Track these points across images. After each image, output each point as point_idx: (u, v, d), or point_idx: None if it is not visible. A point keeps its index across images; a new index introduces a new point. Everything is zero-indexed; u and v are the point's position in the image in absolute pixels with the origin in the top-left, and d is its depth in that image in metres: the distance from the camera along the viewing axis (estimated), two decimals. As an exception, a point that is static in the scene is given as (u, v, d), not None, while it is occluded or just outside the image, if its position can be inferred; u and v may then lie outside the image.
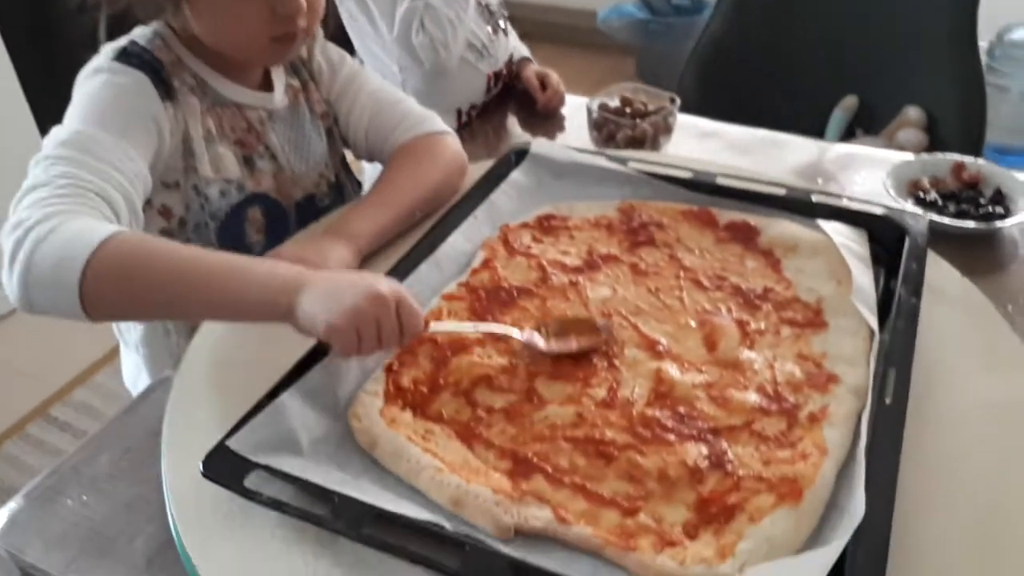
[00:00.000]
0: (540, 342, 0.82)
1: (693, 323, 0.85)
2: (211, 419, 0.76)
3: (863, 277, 0.86)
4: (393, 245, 1.00)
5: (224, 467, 0.69)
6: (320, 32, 1.10)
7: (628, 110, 1.36)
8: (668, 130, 1.37)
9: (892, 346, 0.77)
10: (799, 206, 0.98)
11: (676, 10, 3.33)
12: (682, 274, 0.92)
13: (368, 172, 1.41)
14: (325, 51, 1.13)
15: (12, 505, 0.82)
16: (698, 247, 0.96)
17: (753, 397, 0.76)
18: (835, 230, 0.93)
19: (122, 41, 0.96)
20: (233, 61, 1.00)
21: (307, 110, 1.10)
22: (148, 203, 0.98)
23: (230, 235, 1.04)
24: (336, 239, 0.95)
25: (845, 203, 0.98)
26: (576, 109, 1.57)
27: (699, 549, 0.64)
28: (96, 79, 0.91)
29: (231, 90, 1.02)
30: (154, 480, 0.81)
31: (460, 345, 0.82)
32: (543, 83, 1.56)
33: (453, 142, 1.09)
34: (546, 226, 0.99)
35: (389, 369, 0.79)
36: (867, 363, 0.78)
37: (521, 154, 1.09)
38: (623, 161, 1.06)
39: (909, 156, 1.29)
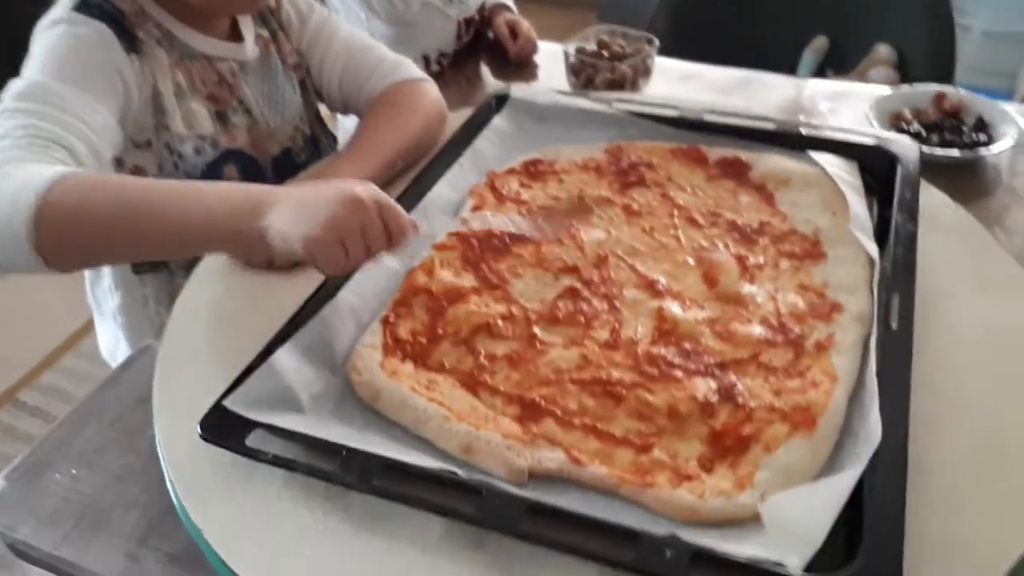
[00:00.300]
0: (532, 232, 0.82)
1: (691, 261, 0.84)
2: (202, 382, 0.73)
3: (859, 206, 0.85)
4: (377, 196, 0.96)
5: (223, 428, 0.66)
6: None
7: (606, 53, 1.33)
8: (647, 72, 1.35)
9: (893, 272, 0.77)
10: (789, 139, 0.97)
11: (638, -41, 3.29)
12: (676, 213, 0.90)
13: (346, 127, 1.37)
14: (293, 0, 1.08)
15: (-4, 484, 0.79)
16: (690, 185, 0.94)
17: (758, 330, 0.75)
18: (827, 162, 0.92)
19: None
20: (198, 10, 0.95)
21: (279, 61, 1.05)
22: (120, 163, 0.94)
23: None
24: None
25: (836, 135, 0.97)
26: (549, 56, 1.54)
27: (716, 482, 0.63)
28: (55, 30, 0.86)
29: (199, 41, 0.98)
30: (145, 449, 0.79)
31: (456, 295, 0.80)
32: (513, 31, 1.53)
33: (431, 89, 1.06)
34: (533, 171, 0.97)
35: (386, 321, 0.77)
36: (869, 291, 0.77)
37: (502, 99, 1.06)
38: (607, 102, 1.04)
39: (887, 89, 1.29)
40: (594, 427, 0.68)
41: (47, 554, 0.74)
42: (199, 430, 0.66)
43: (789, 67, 2.10)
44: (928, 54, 2.10)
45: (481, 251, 0.86)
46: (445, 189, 0.92)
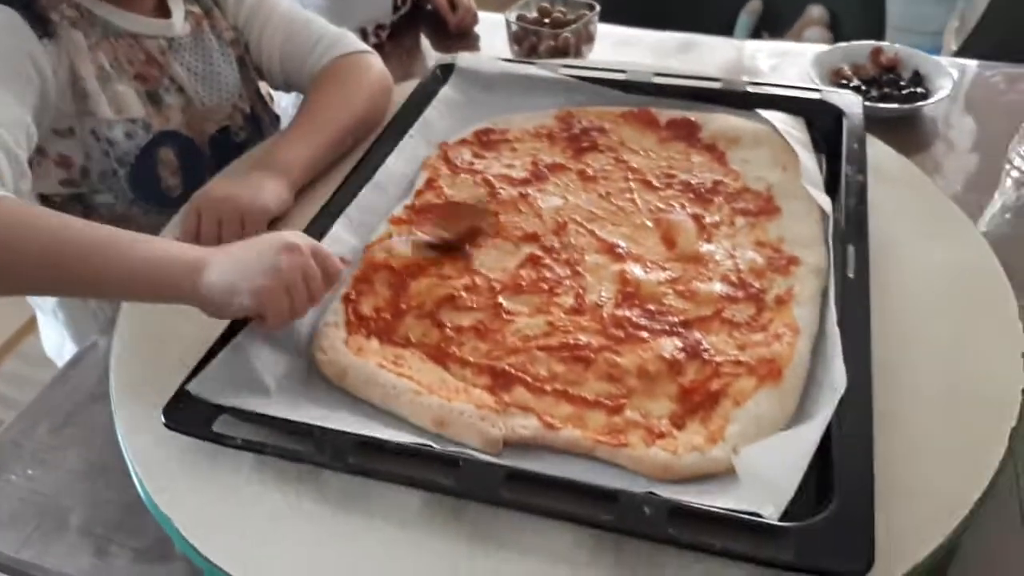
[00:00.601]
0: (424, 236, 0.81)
1: (649, 223, 0.84)
2: (161, 369, 0.71)
3: (809, 161, 0.87)
4: (326, 175, 0.95)
5: (188, 415, 0.65)
6: None
7: (547, 20, 1.32)
8: (590, 38, 1.34)
9: (847, 223, 0.78)
10: (736, 98, 0.98)
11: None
12: (630, 176, 0.90)
13: (283, 105, 1.33)
14: None
15: (-51, 488, 0.76)
16: (642, 148, 0.94)
17: (719, 287, 0.76)
18: (774, 119, 0.93)
19: None
20: None
21: (213, 38, 1.01)
22: (43, 153, 0.89)
23: (143, 181, 0.96)
24: (267, 172, 0.89)
25: (781, 91, 0.98)
26: (490, 26, 1.52)
27: (689, 438, 0.64)
28: None
29: (122, 18, 0.93)
30: (103, 444, 0.76)
31: (416, 269, 0.79)
32: (452, 2, 1.50)
33: (376, 61, 1.04)
34: (485, 141, 0.96)
35: (347, 299, 0.76)
36: (823, 243, 0.79)
37: (447, 69, 1.05)
38: (554, 68, 1.03)
39: (826, 47, 1.31)
40: (565, 392, 0.68)
41: (9, 558, 0.71)
42: (163, 418, 0.64)
43: (724, 30, 2.12)
44: (859, 14, 2.15)
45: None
46: (397, 162, 0.91)
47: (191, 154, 1.00)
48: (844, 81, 1.21)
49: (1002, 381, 0.68)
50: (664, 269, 0.79)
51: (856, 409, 0.61)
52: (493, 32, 1.48)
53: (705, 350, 0.70)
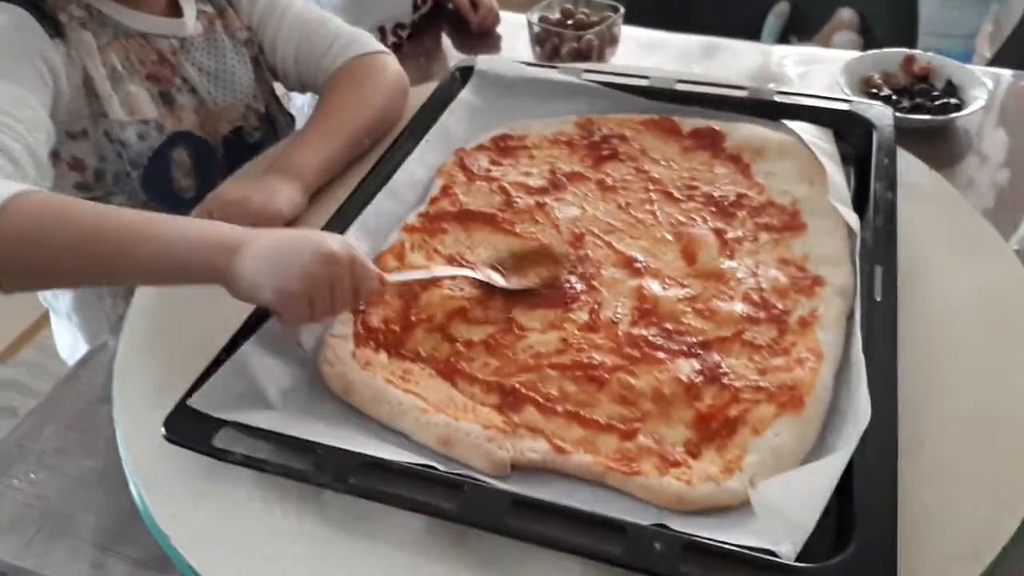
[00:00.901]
0: (499, 279, 0.76)
1: (669, 236, 0.82)
2: (164, 380, 0.70)
3: (836, 175, 0.84)
4: (340, 179, 0.93)
5: (189, 428, 0.63)
6: None
7: (570, 22, 1.30)
8: (614, 41, 1.31)
9: (875, 243, 0.75)
10: (762, 107, 0.95)
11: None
12: (651, 186, 0.88)
13: (298, 104, 1.32)
14: None
15: (-50, 492, 0.75)
16: (664, 157, 0.91)
17: (740, 307, 0.73)
18: (801, 129, 0.90)
19: None
20: None
21: (227, 37, 1.00)
22: (56, 156, 0.88)
23: (156, 183, 0.95)
24: (280, 176, 0.88)
25: (809, 101, 0.95)
26: (512, 27, 1.50)
27: (704, 467, 0.61)
28: None
29: (132, 18, 0.92)
30: (107, 450, 0.75)
31: (429, 280, 0.77)
32: (473, 1, 1.48)
33: (392, 62, 1.02)
34: (503, 147, 0.94)
35: (356, 310, 0.74)
36: (850, 262, 0.76)
37: (466, 72, 1.03)
38: (575, 73, 1.01)
39: (856, 54, 1.27)
40: (577, 413, 0.66)
41: (8, 564, 0.70)
42: (163, 431, 0.63)
43: (752, 33, 2.08)
44: (890, 16, 2.10)
45: (452, 231, 0.83)
46: (413, 167, 0.89)
47: (204, 155, 0.99)
48: (874, 90, 1.17)
49: (1036, 409, 0.65)
50: (683, 286, 0.76)
51: (880, 444, 0.58)
52: (515, 33, 1.46)
53: (724, 373, 0.67)
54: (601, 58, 1.30)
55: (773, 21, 2.15)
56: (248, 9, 1.03)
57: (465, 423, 0.64)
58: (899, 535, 0.54)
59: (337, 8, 1.38)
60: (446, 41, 1.50)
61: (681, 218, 0.84)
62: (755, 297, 0.74)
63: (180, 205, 0.95)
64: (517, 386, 0.67)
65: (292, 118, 1.13)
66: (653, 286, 0.75)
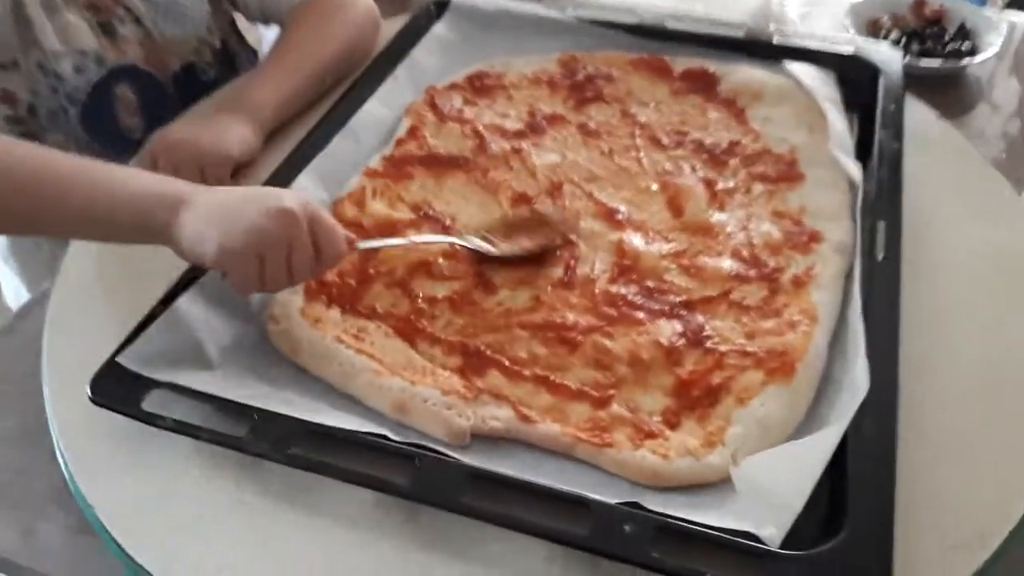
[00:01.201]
0: (488, 248, 0.69)
1: (654, 186, 0.75)
2: (100, 334, 0.63)
3: (838, 122, 0.77)
4: (300, 118, 0.86)
5: (118, 388, 0.57)
6: None
7: (559, -46, 1.20)
8: (605, -25, 1.22)
9: (878, 196, 0.69)
10: (760, 48, 0.88)
11: None
12: (637, 132, 0.81)
13: (267, 39, 1.23)
14: None
15: None
16: (653, 100, 0.85)
17: (728, 263, 0.67)
18: (802, 73, 0.83)
19: None
20: None
21: (177, -37, 0.92)
22: None
23: (97, 120, 0.88)
24: (233, 114, 0.81)
25: (811, 43, 0.87)
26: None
27: (683, 439, 0.56)
28: None
29: None
30: (42, 409, 0.69)
31: (390, 229, 0.71)
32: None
33: (361, -8, 0.93)
34: (478, 86, 0.87)
35: (308, 262, 0.67)
36: (850, 216, 0.70)
37: (442, 5, 0.95)
38: (561, 7, 0.93)
39: (862, -6, 1.19)
40: (546, 378, 0.60)
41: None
42: (88, 391, 0.57)
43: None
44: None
45: (419, 177, 0.76)
46: (377, 107, 0.82)
47: (153, 92, 0.92)
48: (882, 33, 1.09)
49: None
50: (668, 240, 0.70)
51: (878, 418, 0.53)
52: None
53: (708, 337, 0.62)
54: (590, -6, 1.21)
55: (776, -38, 2.05)
56: None
57: (423, 388, 0.58)
58: (895, 519, 0.48)
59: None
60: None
61: (668, 166, 0.77)
62: (745, 253, 0.68)
63: (126, 146, 0.88)
64: (482, 347, 0.62)
65: (255, 54, 1.05)
66: (635, 240, 0.69)
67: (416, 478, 0.52)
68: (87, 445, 0.59)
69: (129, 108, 0.90)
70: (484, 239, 0.69)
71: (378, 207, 0.72)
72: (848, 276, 0.65)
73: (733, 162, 0.77)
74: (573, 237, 0.70)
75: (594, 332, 0.62)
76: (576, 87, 0.86)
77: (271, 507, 0.55)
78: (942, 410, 0.58)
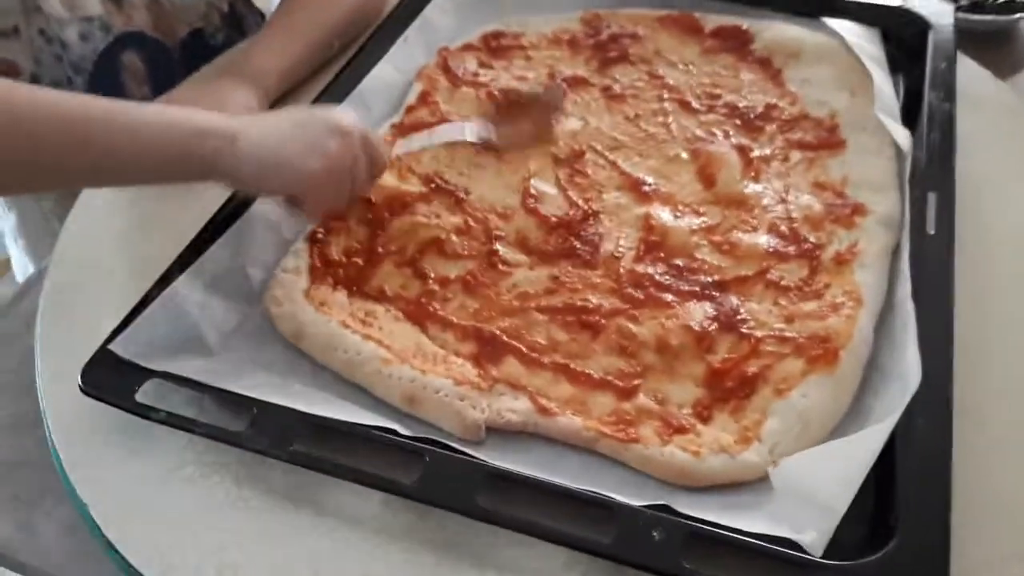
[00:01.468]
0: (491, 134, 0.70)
1: (684, 154, 0.70)
2: (95, 318, 0.60)
3: (884, 84, 0.71)
4: (306, 84, 0.81)
5: (109, 378, 0.54)
6: None
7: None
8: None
9: (929, 164, 0.63)
10: (798, 3, 0.81)
11: None
12: (666, 95, 0.75)
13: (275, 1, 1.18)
14: None
15: None
16: (682, 60, 0.79)
17: (765, 239, 0.62)
18: (844, 30, 0.77)
19: None
20: None
21: (185, -79, 0.86)
22: None
23: (104, 91, 0.81)
24: (236, 80, 0.76)
25: (854, -4, 0.81)
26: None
27: (716, 434, 0.52)
28: None
29: None
30: (36, 394, 0.66)
31: (400, 203, 0.66)
32: None
33: (372, -51, 0.88)
34: (495, 47, 0.81)
35: (313, 238, 0.63)
36: (898, 187, 0.64)
37: (458, -39, 0.89)
38: (583, -39, 0.87)
39: (909, -57, 1.11)
40: (566, 366, 0.56)
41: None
42: (80, 382, 0.54)
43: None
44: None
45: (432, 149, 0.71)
46: (387, 71, 0.77)
47: (160, 59, 0.88)
48: (929, -15, 1.02)
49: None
50: (699, 214, 0.65)
51: (932, 412, 0.48)
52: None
53: (743, 321, 0.57)
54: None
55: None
56: None
57: (434, 378, 0.54)
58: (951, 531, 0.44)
59: None
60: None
61: (699, 132, 0.72)
62: (783, 228, 0.63)
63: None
64: (497, 332, 0.57)
65: (262, 17, 1.00)
66: (663, 214, 0.64)
67: (425, 478, 0.48)
68: (81, 438, 0.56)
69: (136, 77, 0.86)
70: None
71: (387, 179, 0.67)
72: (895, 253, 0.60)
73: (769, 128, 0.71)
74: (595, 207, 0.65)
75: (618, 316, 0.58)
76: (599, 47, 0.80)
77: (272, 506, 0.52)
78: (998, 402, 0.54)
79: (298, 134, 0.57)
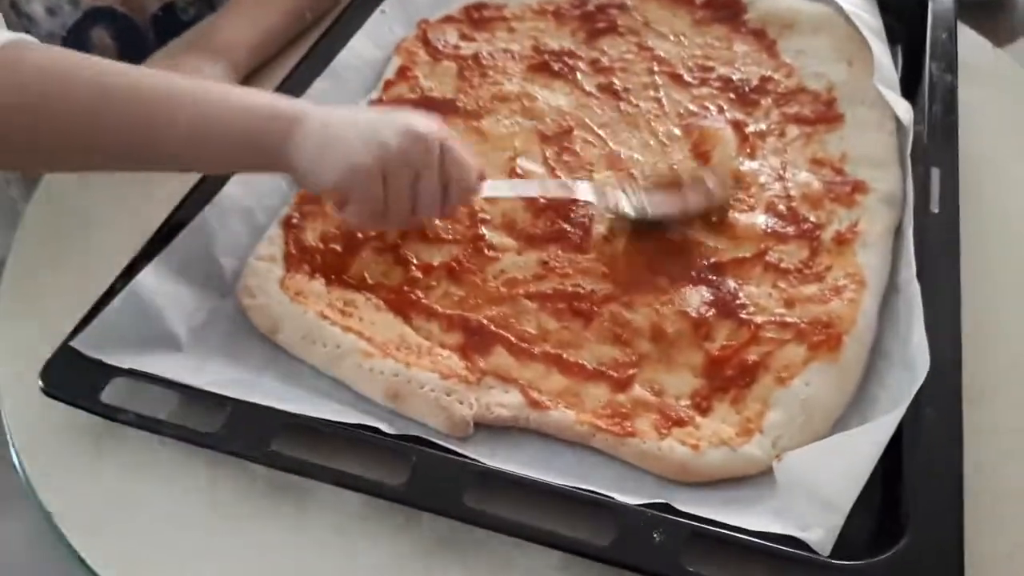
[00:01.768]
0: (628, 206, 0.60)
1: (676, 130, 0.67)
2: (56, 313, 0.56)
3: (883, 55, 0.68)
4: (278, 57, 0.77)
5: (72, 378, 0.51)
6: None
7: None
8: None
9: (931, 138, 0.61)
10: (793, -30, 0.78)
11: None
12: (656, 68, 0.72)
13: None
14: None
15: None
16: (672, 31, 0.76)
17: (762, 219, 0.60)
18: (839, -2, 0.74)
19: None
20: None
21: None
22: None
23: None
24: (204, 54, 0.73)
25: (850, -38, 0.78)
26: None
27: (716, 427, 0.49)
28: None
29: None
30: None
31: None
32: None
33: (346, -85, 0.84)
34: (476, 18, 0.78)
35: (288, 224, 0.60)
36: (899, 163, 0.62)
37: (437, -72, 0.85)
38: (568, -73, 0.83)
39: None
40: (558, 356, 0.53)
41: None
42: (40, 382, 0.50)
43: None
44: None
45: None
46: (363, 45, 0.74)
47: (130, 36, 0.84)
48: (922, -49, 0.99)
49: None
50: (693, 193, 0.62)
51: (941, 402, 0.46)
52: None
53: (741, 306, 0.54)
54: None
55: None
56: None
57: (419, 371, 0.51)
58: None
59: None
60: None
61: (692, 107, 0.69)
62: (781, 207, 0.60)
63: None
64: (485, 322, 0.55)
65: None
66: (656, 193, 0.61)
67: (412, 480, 0.45)
68: (43, 441, 0.53)
69: (107, 54, 0.81)
70: (624, 190, 0.61)
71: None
72: (897, 232, 0.58)
73: (765, 101, 0.69)
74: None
75: (611, 302, 0.55)
76: (586, 17, 0.77)
77: (249, 511, 0.49)
78: (1007, 389, 0.51)
79: (362, 125, 0.52)
